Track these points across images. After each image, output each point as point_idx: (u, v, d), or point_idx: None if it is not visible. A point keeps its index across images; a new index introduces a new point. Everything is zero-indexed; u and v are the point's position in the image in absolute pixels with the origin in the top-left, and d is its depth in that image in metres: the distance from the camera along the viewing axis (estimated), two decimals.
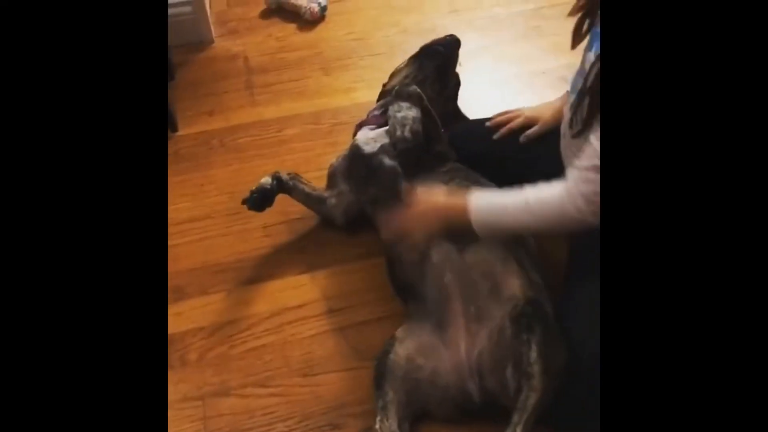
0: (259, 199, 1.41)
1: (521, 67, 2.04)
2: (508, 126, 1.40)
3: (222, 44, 2.18)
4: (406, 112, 1.28)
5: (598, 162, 0.98)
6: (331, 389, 1.24)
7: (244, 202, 1.42)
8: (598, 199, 1.01)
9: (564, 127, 1.25)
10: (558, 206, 1.05)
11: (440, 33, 2.01)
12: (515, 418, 1.02)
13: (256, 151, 1.76)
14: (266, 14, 2.30)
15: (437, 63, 1.51)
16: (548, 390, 1.03)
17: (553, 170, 1.27)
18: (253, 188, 1.42)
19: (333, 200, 1.46)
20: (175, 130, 1.83)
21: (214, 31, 2.19)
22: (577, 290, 1.16)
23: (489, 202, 1.12)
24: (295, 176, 1.49)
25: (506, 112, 1.44)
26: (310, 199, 1.49)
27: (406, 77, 1.50)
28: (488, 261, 1.16)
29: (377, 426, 1.09)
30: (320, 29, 2.24)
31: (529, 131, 1.38)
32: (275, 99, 1.94)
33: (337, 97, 1.94)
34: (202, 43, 2.17)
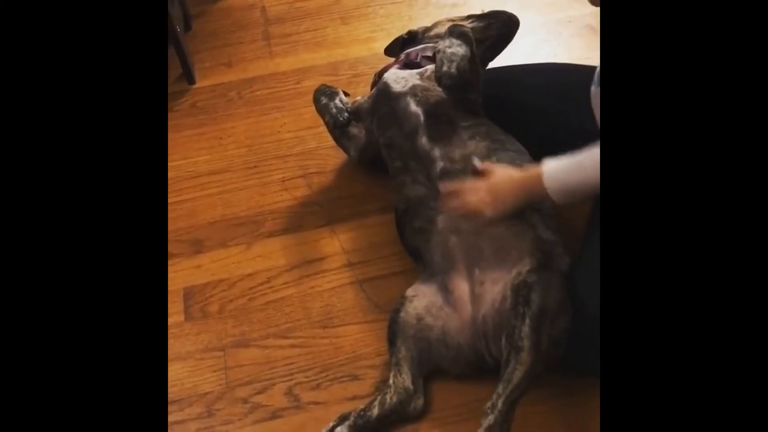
0: (345, 122, 1.42)
1: (547, 15, 1.97)
2: None
3: None
4: (456, 49, 1.24)
5: None
6: (350, 341, 1.25)
7: (336, 126, 1.44)
8: None
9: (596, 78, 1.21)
10: None
11: None
12: (499, 389, 1.01)
13: (274, 104, 1.74)
14: None
15: (503, 32, 1.48)
16: (537, 364, 1.01)
17: (576, 118, 1.24)
18: (330, 115, 1.43)
19: (354, 130, 1.44)
20: (192, 82, 1.81)
21: None
22: (592, 249, 1.14)
23: (564, 164, 1.06)
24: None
25: None
26: (336, 123, 1.44)
27: (472, 29, 1.46)
28: (495, 225, 1.14)
29: (391, 381, 1.11)
30: None
31: None
32: (293, 50, 1.91)
33: (356, 47, 1.90)
34: None
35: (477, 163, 1.18)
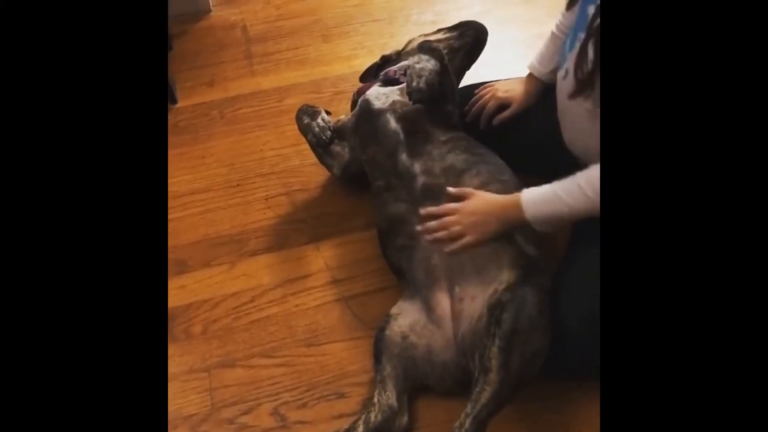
0: (328, 141, 1.43)
1: (527, 30, 2.00)
2: (485, 113, 1.41)
3: (220, 13, 2.14)
4: (424, 64, 1.27)
5: None
6: (336, 359, 1.24)
7: (319, 145, 1.44)
8: None
9: (560, 91, 1.23)
10: None
11: None
12: (468, 408, 1.01)
13: (256, 122, 1.74)
14: None
15: (477, 37, 1.51)
16: (505, 384, 1.01)
17: (546, 127, 1.26)
18: (313, 134, 1.44)
19: (337, 148, 1.45)
20: (174, 101, 1.81)
21: (211, 0, 2.15)
22: (574, 259, 1.15)
23: (541, 193, 1.10)
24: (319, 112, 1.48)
25: (482, 88, 1.44)
26: (319, 141, 1.46)
27: (446, 39, 1.48)
28: (474, 248, 1.14)
29: (375, 399, 1.10)
30: None
31: (502, 115, 1.39)
32: (275, 68, 1.91)
33: (338, 65, 1.91)
34: (200, 12, 2.13)
35: (451, 189, 1.18)
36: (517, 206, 1.10)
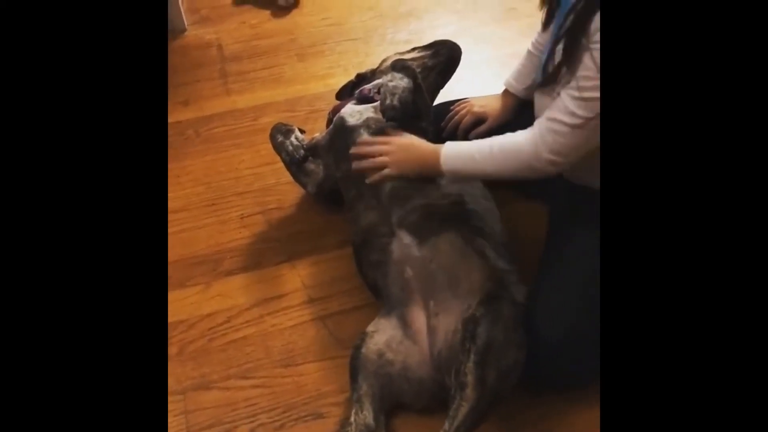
0: (302, 159, 1.45)
1: (498, 49, 2.03)
2: (461, 128, 1.44)
3: (195, 32, 2.15)
4: (398, 82, 1.29)
5: (563, 116, 1.03)
6: (313, 379, 1.23)
7: (292, 163, 1.46)
8: (560, 149, 1.05)
9: (538, 106, 1.25)
10: (520, 154, 1.10)
11: (418, 17, 1.99)
12: (445, 425, 1.01)
13: (232, 141, 1.74)
14: (239, 0, 2.26)
15: (451, 55, 1.53)
16: (482, 399, 1.01)
17: None
18: (287, 152, 1.45)
19: (312, 166, 1.45)
20: None
21: (186, 19, 2.16)
22: (548, 272, 1.17)
23: (459, 150, 1.18)
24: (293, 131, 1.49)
25: (458, 104, 1.48)
26: (292, 160, 1.46)
27: (420, 58, 1.50)
28: (447, 253, 1.15)
29: (352, 418, 1.09)
30: (294, 15, 2.22)
31: (478, 129, 1.42)
32: (250, 87, 1.92)
33: (313, 83, 1.92)
34: (174, 31, 2.13)
35: (391, 129, 1.27)
36: (437, 157, 1.18)
